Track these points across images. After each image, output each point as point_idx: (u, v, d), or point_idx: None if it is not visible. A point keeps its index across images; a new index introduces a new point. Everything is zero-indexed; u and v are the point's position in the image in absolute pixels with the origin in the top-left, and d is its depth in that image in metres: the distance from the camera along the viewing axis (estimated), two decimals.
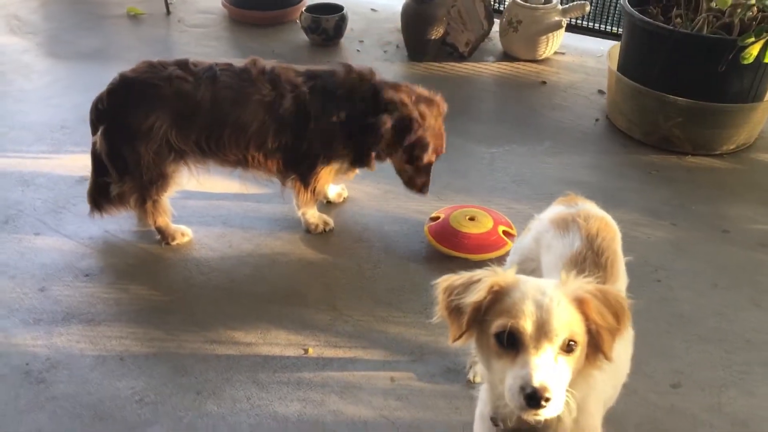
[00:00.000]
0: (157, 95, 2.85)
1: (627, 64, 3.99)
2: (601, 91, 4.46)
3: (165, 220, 3.06)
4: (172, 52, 5.03)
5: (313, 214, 3.20)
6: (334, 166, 3.07)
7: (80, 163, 3.64)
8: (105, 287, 2.89)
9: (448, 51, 4.93)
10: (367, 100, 2.96)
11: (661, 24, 3.73)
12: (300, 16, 5.17)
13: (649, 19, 3.76)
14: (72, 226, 3.22)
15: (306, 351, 2.62)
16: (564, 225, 1.98)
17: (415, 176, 3.11)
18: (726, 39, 3.51)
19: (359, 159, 3.09)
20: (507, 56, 4.97)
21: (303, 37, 5.17)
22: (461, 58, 4.93)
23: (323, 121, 2.95)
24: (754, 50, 3.31)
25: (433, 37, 4.82)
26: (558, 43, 4.90)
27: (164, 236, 3.09)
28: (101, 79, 4.52)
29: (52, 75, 4.64)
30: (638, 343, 2.61)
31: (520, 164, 3.79)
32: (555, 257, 1.94)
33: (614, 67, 4.08)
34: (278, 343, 2.66)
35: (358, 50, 5.08)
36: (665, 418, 2.39)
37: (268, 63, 3.02)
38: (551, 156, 3.89)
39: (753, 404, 2.45)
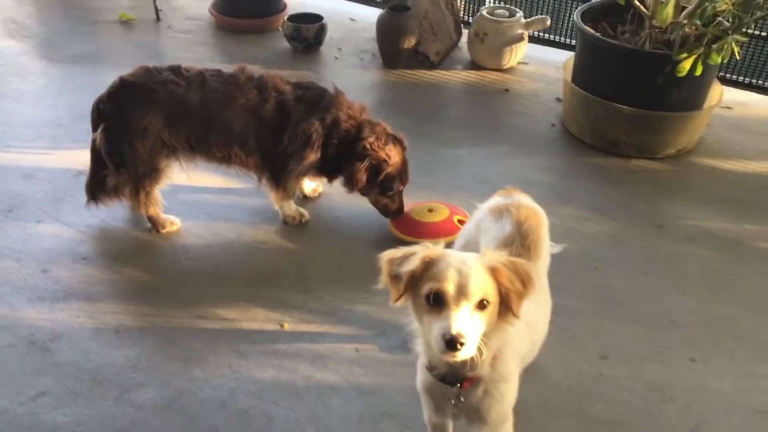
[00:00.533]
0: (152, 98, 3.18)
1: (579, 75, 4.37)
2: (558, 99, 4.84)
3: (156, 210, 3.39)
4: (162, 56, 5.36)
5: (289, 207, 3.53)
6: (302, 170, 3.39)
7: (77, 159, 3.96)
8: (101, 269, 3.21)
9: (419, 59, 5.28)
10: (348, 129, 3.31)
11: (609, 39, 4.12)
12: (282, 24, 5.51)
13: (598, 35, 4.15)
14: (70, 215, 3.54)
15: (282, 326, 2.96)
16: (499, 212, 2.33)
17: (389, 204, 3.47)
18: (664, 54, 3.89)
19: (328, 172, 3.45)
20: (474, 65, 5.35)
21: (285, 44, 5.51)
22: (432, 66, 5.29)
23: (303, 126, 3.26)
24: (687, 64, 3.70)
25: (405, 47, 5.17)
26: (521, 53, 5.28)
27: (155, 225, 3.42)
28: (94, 81, 4.86)
29: (47, 77, 4.95)
30: (573, 322, 3.03)
31: (482, 165, 4.15)
32: (490, 239, 2.29)
33: (569, 77, 4.46)
34: (257, 319, 3.00)
35: (336, 57, 5.43)
36: (593, 383, 2.76)
37: (257, 71, 3.36)
38: (510, 158, 4.26)
39: (669, 373, 2.82)
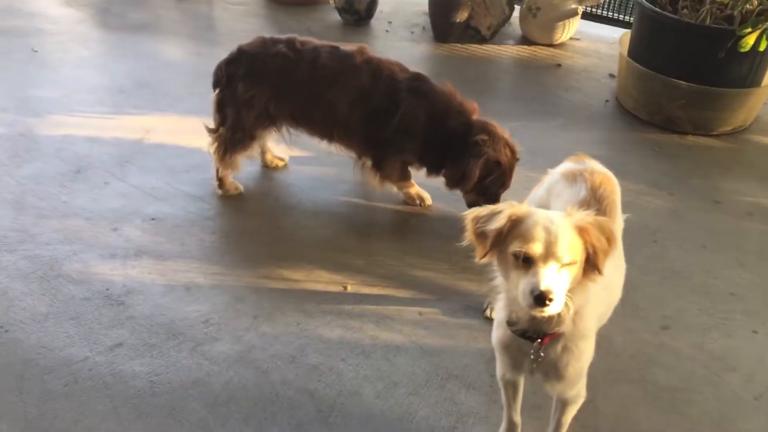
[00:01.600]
0: (263, 69, 3.27)
1: (636, 50, 4.35)
2: (611, 75, 4.82)
3: (229, 173, 3.49)
4: (215, 27, 5.44)
5: (409, 190, 3.52)
6: (404, 159, 3.38)
7: (139, 124, 4.06)
8: (170, 229, 3.30)
9: (471, 34, 5.29)
10: (457, 126, 3.21)
11: (669, 14, 4.09)
12: None
13: (657, 9, 4.12)
14: (136, 177, 3.63)
15: (345, 288, 3.03)
16: (572, 177, 2.35)
17: (481, 203, 3.31)
18: (726, 29, 3.86)
19: (430, 165, 3.37)
20: (525, 40, 5.34)
21: (336, 16, 5.55)
22: (483, 40, 5.29)
23: (410, 119, 3.23)
24: (751, 39, 3.67)
25: (457, 20, 5.18)
26: (574, 29, 5.27)
27: (222, 185, 3.52)
28: (152, 49, 4.95)
29: (106, 44, 5.06)
30: (635, 292, 3.06)
31: (536, 138, 4.16)
32: (563, 203, 2.29)
33: (625, 52, 4.44)
34: (321, 280, 3.06)
35: (386, 30, 5.46)
36: (655, 353, 2.79)
37: (376, 54, 3.34)
38: (564, 131, 4.27)
39: (731, 344, 2.84)
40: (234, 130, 3.35)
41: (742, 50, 3.71)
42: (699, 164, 3.98)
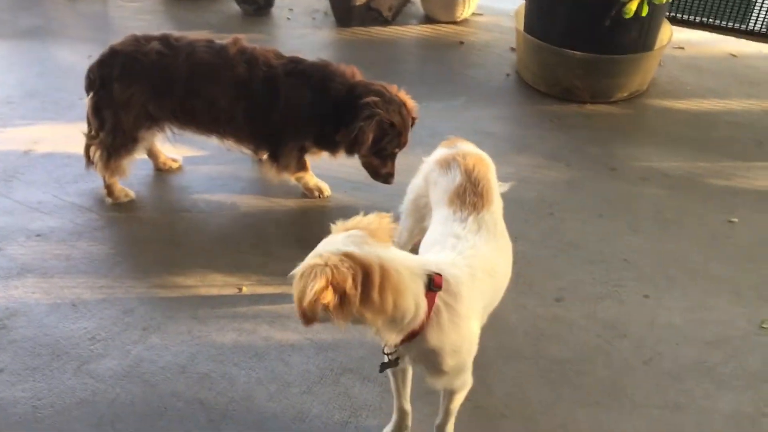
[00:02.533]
0: (137, 68, 3.14)
1: (531, 23, 4.36)
2: (512, 48, 4.83)
3: (116, 179, 3.38)
4: (110, 26, 5.25)
5: (307, 181, 3.45)
6: (300, 145, 3.29)
7: (26, 136, 3.90)
8: (56, 245, 3.18)
9: (373, 16, 5.23)
10: (339, 91, 3.11)
11: None
12: None
13: None
14: (21, 192, 3.49)
15: (240, 290, 2.97)
16: (446, 164, 2.34)
17: (381, 167, 3.22)
18: None
19: (324, 143, 3.27)
20: (428, 19, 5.31)
21: (235, 7, 5.43)
22: (385, 22, 5.24)
23: (293, 100, 3.14)
24: (633, 5, 3.71)
25: (358, 3, 5.11)
26: (475, 4, 5.26)
27: (110, 193, 3.41)
28: (43, 56, 4.77)
29: None
30: (530, 267, 3.07)
31: (437, 119, 4.14)
32: (441, 191, 2.30)
33: (520, 26, 4.45)
34: (215, 284, 3.00)
35: (288, 18, 5.36)
36: (548, 326, 2.81)
37: (251, 44, 3.24)
38: (465, 110, 4.26)
39: (622, 311, 2.88)
40: (114, 135, 3.24)
41: (627, 17, 3.75)
42: (597, 133, 4.02)
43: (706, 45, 4.91)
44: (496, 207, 2.29)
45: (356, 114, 3.05)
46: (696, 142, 3.93)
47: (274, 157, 3.31)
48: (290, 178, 3.44)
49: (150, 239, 3.24)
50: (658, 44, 4.25)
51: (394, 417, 2.36)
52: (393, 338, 1.83)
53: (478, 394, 2.46)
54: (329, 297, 1.63)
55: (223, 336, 2.76)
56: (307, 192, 3.50)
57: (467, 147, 2.46)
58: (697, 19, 4.92)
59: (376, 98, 3.06)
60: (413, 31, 5.20)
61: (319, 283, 1.64)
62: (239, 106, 3.20)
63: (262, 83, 3.14)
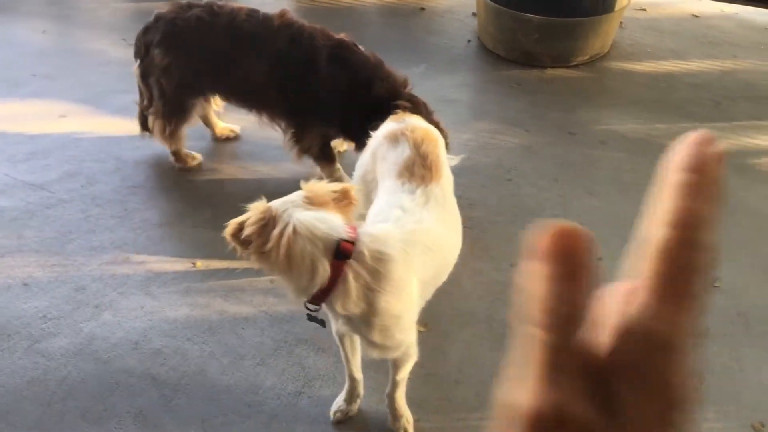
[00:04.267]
0: (178, 35, 3.10)
1: None
2: (474, 14, 4.77)
3: (179, 145, 3.38)
4: (66, 0, 5.13)
5: (330, 173, 3.28)
6: (325, 132, 3.20)
7: None
8: (6, 224, 3.13)
9: None
10: (383, 96, 2.96)
11: None
12: None
13: None
14: None
15: (194, 264, 2.95)
16: (394, 138, 2.29)
17: None
18: None
19: (351, 136, 3.17)
20: None
21: None
22: None
23: (329, 88, 3.03)
24: None
25: None
26: None
27: (177, 159, 3.43)
28: (6, 34, 4.62)
29: None
30: (485, 234, 3.07)
31: None
32: (389, 164, 2.24)
33: None
34: (168, 260, 2.97)
35: None
36: (503, 290, 2.82)
37: (298, 19, 3.13)
38: (426, 78, 4.21)
39: None
40: (163, 102, 3.22)
41: None
42: (556, 97, 4.01)
43: (668, 6, 4.89)
44: (445, 181, 2.25)
45: (380, 117, 2.89)
46: (655, 104, 3.93)
47: (297, 138, 3.21)
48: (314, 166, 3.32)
49: (101, 216, 3.19)
50: (617, 6, 4.22)
51: (346, 385, 2.37)
52: (296, 295, 1.93)
53: (432, 361, 2.48)
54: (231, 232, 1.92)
55: (176, 311, 2.74)
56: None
57: (416, 121, 2.42)
58: None
59: (407, 104, 2.91)
60: None
61: (236, 219, 1.93)
62: (274, 82, 3.10)
63: (300, 61, 3.03)
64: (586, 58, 4.26)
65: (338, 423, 2.37)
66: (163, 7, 3.21)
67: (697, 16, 4.79)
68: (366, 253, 1.85)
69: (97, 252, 3.00)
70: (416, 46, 4.54)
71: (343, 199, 1.95)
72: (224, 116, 3.65)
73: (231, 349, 2.59)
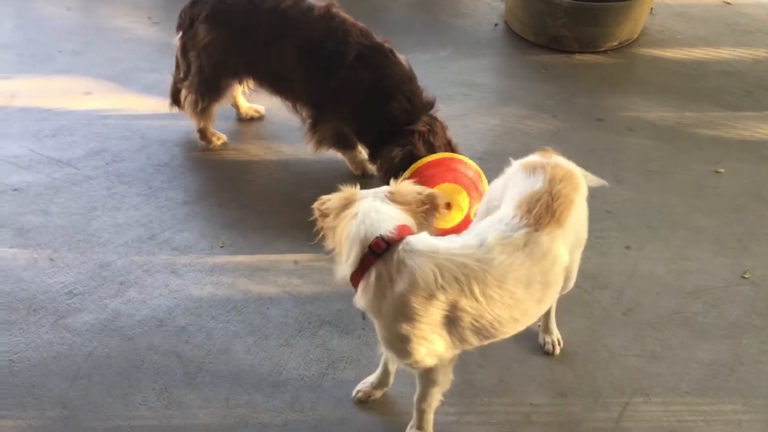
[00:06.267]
0: (224, 13, 3.10)
1: None
2: None
3: (207, 124, 3.40)
4: None
5: (353, 158, 3.30)
6: (337, 126, 3.15)
7: (3, 89, 3.84)
8: (33, 199, 3.14)
9: None
10: (399, 112, 2.93)
11: None
12: None
13: None
14: None
15: (219, 244, 2.95)
16: (532, 168, 2.07)
17: None
18: None
19: (367, 143, 3.12)
20: None
21: None
22: None
23: (349, 86, 2.97)
24: None
25: None
26: None
27: (203, 137, 3.45)
28: (18, 6, 4.65)
29: None
30: None
31: (424, 70, 3.93)
32: (516, 192, 2.02)
33: None
34: (193, 237, 2.97)
35: None
36: None
37: (343, 14, 3.06)
38: (452, 61, 4.18)
39: (604, 262, 2.87)
40: (200, 78, 3.22)
41: None
42: (584, 83, 3.95)
43: None
44: (564, 234, 1.97)
45: (399, 139, 2.90)
46: (685, 92, 3.86)
47: (313, 127, 3.18)
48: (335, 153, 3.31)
49: (126, 194, 3.20)
50: None
51: (378, 372, 2.34)
52: (338, 274, 1.96)
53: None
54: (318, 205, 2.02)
55: (201, 290, 2.74)
56: (351, 168, 3.34)
57: (563, 160, 2.17)
58: None
59: (423, 128, 2.88)
60: None
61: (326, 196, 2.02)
62: (301, 69, 3.09)
63: (328, 53, 2.99)
64: (615, 44, 4.19)
65: (359, 402, 2.35)
66: None
67: (729, 3, 4.70)
68: (395, 259, 1.82)
69: (122, 229, 3.00)
70: (442, 28, 4.49)
71: (426, 204, 1.94)
72: (249, 96, 3.63)
73: (255, 329, 2.59)
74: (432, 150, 2.88)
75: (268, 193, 3.21)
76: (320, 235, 2.00)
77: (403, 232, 1.86)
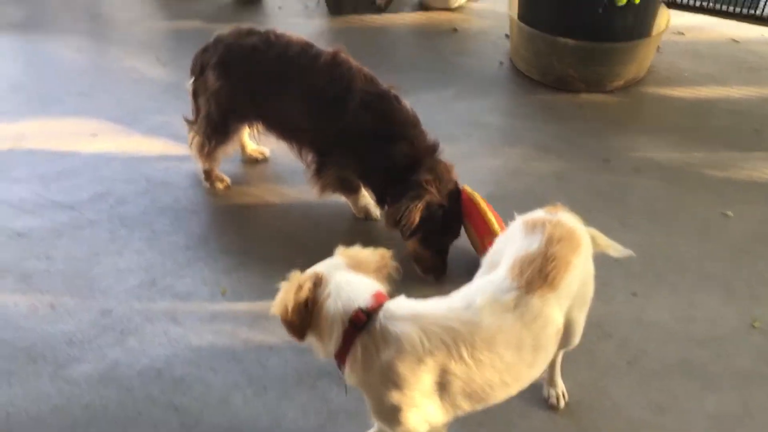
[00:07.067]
0: (232, 60, 3.14)
1: (524, 10, 4.25)
2: (507, 35, 4.72)
3: (212, 166, 3.42)
4: (99, 17, 5.20)
5: (356, 202, 3.27)
6: (341, 173, 3.14)
7: (10, 131, 3.87)
8: (36, 244, 3.15)
9: (366, 3, 5.13)
10: (399, 156, 2.91)
11: None
12: None
13: None
14: (4, 189, 3.45)
15: (220, 290, 2.93)
16: (532, 226, 2.02)
17: (431, 259, 2.98)
18: None
19: (372, 189, 3.13)
20: (422, 6, 5.21)
21: None
22: (379, 9, 5.14)
23: (351, 133, 2.98)
24: None
25: None
26: None
27: (208, 179, 3.47)
28: (29, 48, 4.72)
29: None
30: None
31: (429, 111, 3.97)
32: (513, 251, 1.98)
33: (514, 13, 4.34)
34: (194, 284, 2.96)
35: (279, 7, 5.27)
36: None
37: (351, 61, 3.05)
38: (458, 101, 4.17)
39: (608, 310, 2.82)
40: (208, 122, 3.26)
41: (620, 3, 3.65)
42: (590, 123, 3.93)
43: (707, 30, 4.78)
44: (555, 298, 1.91)
45: (407, 190, 2.86)
46: (692, 132, 3.83)
47: (317, 175, 3.17)
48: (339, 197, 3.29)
49: (129, 238, 3.20)
50: (655, 31, 4.14)
51: (375, 429, 2.31)
52: (321, 354, 1.96)
53: None
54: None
55: (201, 338, 2.72)
56: (354, 211, 3.32)
57: (567, 219, 2.10)
58: (696, 3, 4.79)
59: (429, 177, 2.85)
60: (407, 18, 5.10)
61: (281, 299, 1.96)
62: (306, 116, 3.09)
63: (332, 100, 3.00)
64: (621, 83, 4.17)
65: None
66: (203, 29, 3.22)
67: (736, 41, 4.68)
68: (378, 328, 1.80)
69: (123, 275, 3.00)
70: (448, 67, 4.50)
71: (384, 266, 1.94)
72: (255, 138, 3.64)
73: (255, 380, 2.56)
74: (445, 192, 2.89)
75: (271, 237, 3.20)
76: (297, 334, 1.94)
77: (380, 299, 1.84)
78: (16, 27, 5.03)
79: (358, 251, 1.98)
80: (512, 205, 3.28)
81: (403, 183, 2.89)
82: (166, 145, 3.69)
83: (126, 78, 4.40)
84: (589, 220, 3.23)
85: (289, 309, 1.85)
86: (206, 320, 2.80)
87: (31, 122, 3.97)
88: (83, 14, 5.23)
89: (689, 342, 2.69)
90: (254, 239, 3.20)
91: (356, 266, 1.91)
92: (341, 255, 1.98)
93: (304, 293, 1.85)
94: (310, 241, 3.15)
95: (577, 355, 2.62)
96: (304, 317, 1.85)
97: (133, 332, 2.74)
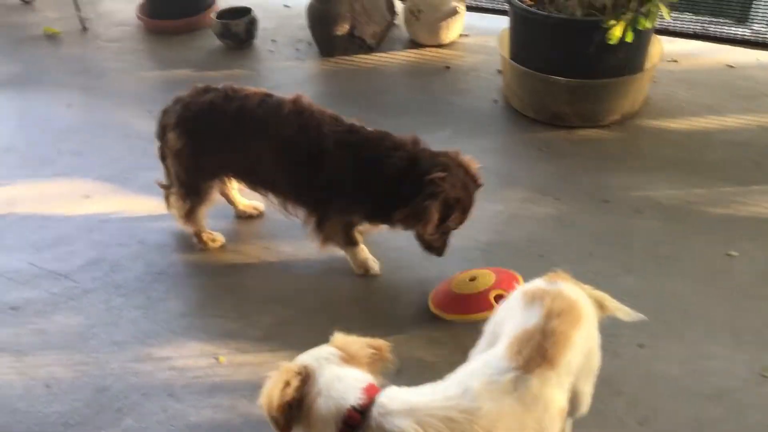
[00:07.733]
0: (190, 119, 3.11)
1: (515, 49, 4.22)
2: (499, 71, 4.68)
3: (199, 228, 3.37)
4: (90, 69, 5.18)
5: (355, 255, 3.21)
6: (348, 220, 3.10)
7: (3, 196, 3.83)
8: (31, 318, 3.10)
9: (357, 44, 5.10)
10: (396, 163, 2.88)
11: (538, 10, 3.96)
12: (211, 22, 5.31)
13: (526, 6, 3.99)
14: None
15: (217, 359, 2.87)
16: (531, 299, 1.97)
17: (437, 242, 2.99)
18: (593, 21, 3.75)
19: (379, 218, 3.05)
20: (413, 43, 5.18)
21: (217, 42, 5.32)
22: (370, 49, 5.12)
23: (338, 175, 2.95)
24: (617, 31, 3.57)
25: (339, 33, 4.99)
26: (460, 26, 5.12)
27: (199, 241, 3.41)
28: (21, 106, 4.69)
29: None
30: None
31: None
32: (511, 328, 1.93)
33: (505, 52, 4.30)
34: (191, 354, 2.90)
35: (270, 51, 5.25)
36: None
37: (313, 105, 3.06)
38: (452, 143, 4.05)
39: (617, 364, 2.74)
40: (180, 183, 3.23)
41: (611, 42, 3.61)
42: (587, 161, 3.88)
43: (701, 56, 4.74)
44: (556, 377, 1.83)
45: (419, 190, 2.81)
46: (691, 165, 3.77)
47: (319, 228, 3.12)
48: (338, 250, 3.24)
49: (125, 306, 3.14)
50: (648, 64, 4.10)
51: None
52: None
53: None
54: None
55: (199, 414, 2.66)
56: (353, 266, 3.24)
57: (568, 288, 2.05)
58: (691, 29, 4.76)
59: (441, 173, 2.80)
60: (398, 57, 5.07)
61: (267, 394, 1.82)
62: (282, 168, 3.07)
63: (307, 149, 2.97)
64: (617, 117, 4.13)
65: None
66: (193, 77, 3.20)
67: (732, 66, 4.63)
68: (373, 427, 1.73)
69: (119, 347, 2.94)
70: (442, 108, 4.46)
71: (377, 356, 1.89)
72: (247, 193, 3.59)
73: None
74: (461, 183, 2.86)
75: (268, 299, 3.14)
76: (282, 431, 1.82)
77: (371, 392, 1.78)
78: (7, 84, 5.02)
79: (353, 342, 1.91)
80: (512, 252, 3.28)
81: (409, 183, 2.84)
82: (158, 203, 3.63)
83: (117, 134, 4.37)
84: (590, 266, 3.22)
85: (275, 406, 1.78)
86: (205, 393, 2.73)
87: (23, 186, 3.94)
88: (73, 67, 5.21)
89: (700, 397, 2.62)
90: (251, 302, 3.14)
91: (349, 359, 1.85)
92: (334, 344, 1.91)
93: (290, 391, 1.78)
94: (309, 302, 3.10)
95: (588, 416, 2.53)
96: (289, 415, 1.79)
97: (130, 410, 2.68)
